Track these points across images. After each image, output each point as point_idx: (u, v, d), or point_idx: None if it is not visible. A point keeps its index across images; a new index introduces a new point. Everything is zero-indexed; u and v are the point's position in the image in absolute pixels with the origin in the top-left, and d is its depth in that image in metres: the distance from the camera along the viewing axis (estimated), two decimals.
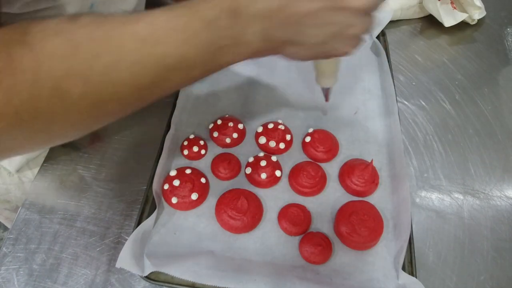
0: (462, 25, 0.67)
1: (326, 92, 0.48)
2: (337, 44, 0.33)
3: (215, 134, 0.50)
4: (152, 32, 0.28)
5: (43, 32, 0.27)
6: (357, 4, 0.31)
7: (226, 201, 0.44)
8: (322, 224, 0.44)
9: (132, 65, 0.28)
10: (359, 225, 0.41)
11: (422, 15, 0.69)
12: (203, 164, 0.49)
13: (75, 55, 0.27)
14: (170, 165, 0.49)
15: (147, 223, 0.42)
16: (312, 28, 0.31)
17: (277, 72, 0.59)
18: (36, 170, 0.52)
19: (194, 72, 0.31)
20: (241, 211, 0.43)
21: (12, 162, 0.51)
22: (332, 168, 0.49)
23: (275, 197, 0.46)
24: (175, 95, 0.53)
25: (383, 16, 0.63)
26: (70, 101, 0.27)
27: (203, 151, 0.49)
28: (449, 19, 0.65)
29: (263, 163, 0.47)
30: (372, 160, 0.46)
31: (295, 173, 0.47)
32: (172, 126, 0.50)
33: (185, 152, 0.49)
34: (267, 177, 0.46)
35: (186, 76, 0.31)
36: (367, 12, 0.32)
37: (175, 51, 0.29)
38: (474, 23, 0.68)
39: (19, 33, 0.26)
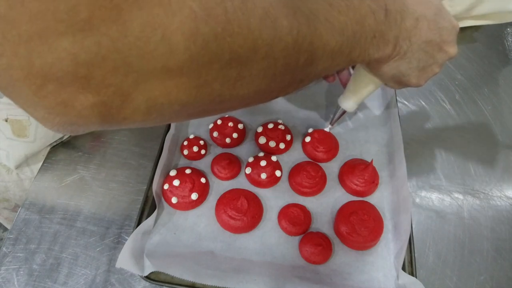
0: None
1: (339, 116, 0.48)
2: (421, 74, 0.38)
3: (215, 134, 0.50)
4: (327, 10, 0.28)
5: None
6: (452, 53, 0.37)
7: (226, 201, 0.44)
8: (322, 224, 0.44)
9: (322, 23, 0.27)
10: (359, 225, 0.41)
11: None
12: (203, 164, 0.49)
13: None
14: (170, 165, 0.49)
15: (147, 223, 0.42)
16: (422, 53, 0.36)
17: None
18: (35, 167, 0.52)
19: (338, 59, 0.30)
20: (241, 211, 0.43)
21: (11, 158, 0.51)
22: (332, 168, 0.49)
23: (275, 197, 0.46)
24: None
25: None
26: (277, 32, 0.22)
27: (203, 151, 0.49)
28: None
29: (263, 163, 0.47)
30: (372, 160, 0.46)
31: (295, 173, 0.47)
32: (172, 126, 0.50)
33: (185, 152, 0.49)
34: (267, 177, 0.46)
35: (333, 62, 0.30)
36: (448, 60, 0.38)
37: (351, 28, 0.30)
38: None
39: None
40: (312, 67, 0.28)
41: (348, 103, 0.45)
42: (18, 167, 0.52)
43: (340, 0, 0.29)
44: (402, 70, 0.37)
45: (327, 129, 0.51)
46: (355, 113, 0.54)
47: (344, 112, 0.47)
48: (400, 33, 0.34)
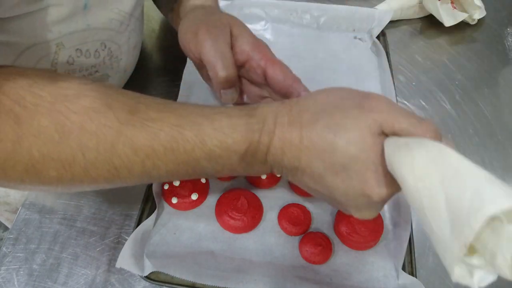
0: (462, 25, 0.67)
1: None
2: (350, 211, 0.31)
3: None
4: (150, 145, 0.28)
5: (36, 107, 0.26)
6: (377, 199, 0.28)
7: (226, 201, 0.44)
8: (322, 224, 0.44)
9: (117, 169, 0.28)
10: (359, 225, 0.41)
11: (422, 15, 0.69)
12: None
13: (59, 142, 0.26)
14: None
15: (147, 223, 0.42)
16: (316, 192, 0.32)
17: None
18: None
19: (176, 179, 0.34)
20: (241, 211, 0.43)
21: None
22: None
23: (275, 197, 0.46)
24: (176, 95, 0.53)
25: (383, 16, 0.63)
26: (43, 180, 0.27)
27: None
28: (449, 19, 0.65)
29: None
30: None
31: None
32: None
33: None
34: (267, 177, 0.46)
35: (166, 180, 0.33)
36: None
37: (166, 167, 0.29)
38: (474, 23, 0.68)
39: (12, 100, 0.26)
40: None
41: None
42: None
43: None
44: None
45: None
46: None
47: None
48: (269, 168, 0.31)
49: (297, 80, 0.41)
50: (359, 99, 0.29)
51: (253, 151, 0.29)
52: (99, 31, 0.43)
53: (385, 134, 0.28)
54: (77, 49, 0.42)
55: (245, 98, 0.47)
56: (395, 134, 0.27)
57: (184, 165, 0.29)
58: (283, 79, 0.40)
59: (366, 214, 0.30)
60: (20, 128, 0.26)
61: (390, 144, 0.26)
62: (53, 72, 0.30)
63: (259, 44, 0.42)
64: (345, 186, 0.28)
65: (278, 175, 0.30)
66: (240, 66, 0.42)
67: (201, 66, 0.44)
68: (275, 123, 0.29)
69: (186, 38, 0.43)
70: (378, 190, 0.27)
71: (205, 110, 0.30)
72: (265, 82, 0.42)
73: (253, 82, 0.45)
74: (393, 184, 0.27)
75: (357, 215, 0.30)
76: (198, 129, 0.29)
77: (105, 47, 0.45)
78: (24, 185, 0.29)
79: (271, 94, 0.44)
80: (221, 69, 0.39)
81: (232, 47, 0.41)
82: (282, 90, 0.41)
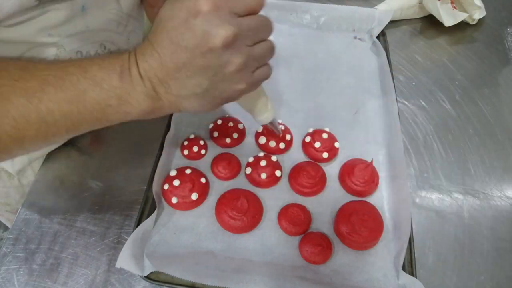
0: (462, 25, 0.67)
1: (270, 127, 0.46)
2: (224, 85, 0.32)
3: (215, 134, 0.50)
4: (41, 89, 0.30)
5: None
6: (218, 41, 0.29)
7: (226, 201, 0.44)
8: (322, 224, 0.44)
9: (15, 119, 0.30)
10: (359, 225, 0.41)
11: (422, 15, 0.69)
12: (203, 164, 0.49)
13: None
14: (170, 165, 0.49)
15: (147, 223, 0.42)
16: (189, 79, 0.31)
17: (277, 72, 0.59)
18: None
19: (80, 127, 0.33)
20: (241, 211, 0.43)
21: (15, 163, 0.51)
22: (332, 168, 0.49)
23: (275, 197, 0.46)
24: None
25: (383, 16, 0.63)
26: None
27: (203, 151, 0.49)
28: (449, 19, 0.65)
29: (263, 163, 0.47)
30: (372, 160, 0.46)
31: (295, 173, 0.47)
32: (172, 126, 0.50)
33: (185, 152, 0.49)
34: (267, 177, 0.46)
35: (71, 130, 0.33)
36: (236, 45, 0.30)
37: (60, 109, 0.31)
38: (474, 23, 0.68)
39: None
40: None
41: (258, 119, 0.43)
42: (20, 171, 0.52)
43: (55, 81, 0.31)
44: (202, 100, 0.33)
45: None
46: (355, 113, 0.54)
47: (269, 123, 0.44)
48: (149, 85, 0.31)
49: None
50: None
51: (126, 66, 0.31)
52: (97, 32, 0.43)
53: None
54: (77, 51, 0.42)
55: None
56: None
57: (76, 104, 0.31)
58: None
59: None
60: None
61: None
62: None
63: None
64: (187, 36, 0.29)
65: (154, 90, 0.32)
66: None
67: None
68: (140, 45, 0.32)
69: None
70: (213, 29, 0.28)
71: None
72: None
73: None
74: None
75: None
76: (80, 63, 0.32)
77: (105, 48, 0.45)
78: None
79: None
80: None
81: None
82: None
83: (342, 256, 0.42)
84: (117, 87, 0.31)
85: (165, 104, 0.33)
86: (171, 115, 0.51)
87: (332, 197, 0.46)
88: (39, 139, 0.33)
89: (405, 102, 0.58)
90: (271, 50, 0.33)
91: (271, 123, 0.44)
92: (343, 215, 0.43)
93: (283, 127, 0.50)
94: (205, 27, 0.29)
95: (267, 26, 0.32)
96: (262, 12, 0.32)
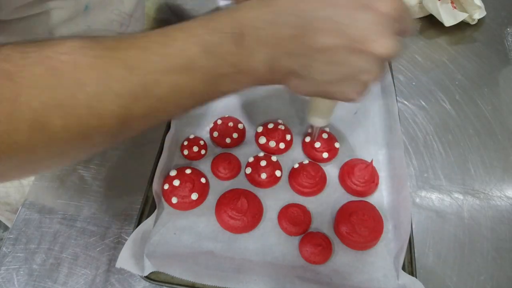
0: (462, 25, 0.67)
1: (316, 131, 0.47)
2: (344, 87, 0.30)
3: (215, 134, 0.50)
4: (143, 59, 0.27)
5: (24, 59, 0.25)
6: (379, 51, 0.26)
7: (226, 201, 0.44)
8: (322, 224, 0.44)
9: (119, 95, 0.26)
10: (359, 225, 0.41)
11: (422, 15, 0.69)
12: (203, 164, 0.49)
13: (56, 85, 0.25)
14: (170, 165, 0.49)
15: (147, 223, 0.42)
16: (323, 65, 0.28)
17: None
18: None
19: (190, 101, 0.30)
20: (241, 211, 0.43)
21: None
22: (332, 168, 0.49)
23: (275, 197, 0.46)
24: None
25: None
26: (51, 134, 0.25)
27: (203, 151, 0.49)
28: (449, 19, 0.65)
29: (263, 163, 0.47)
30: (372, 160, 0.46)
31: (295, 173, 0.47)
32: (172, 126, 0.50)
33: (185, 152, 0.49)
34: (267, 177, 0.46)
35: (181, 105, 0.30)
36: (386, 60, 0.28)
37: (168, 80, 0.27)
38: (474, 23, 0.68)
39: (0, 59, 0.25)
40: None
41: (315, 120, 0.43)
42: None
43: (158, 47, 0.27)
44: (313, 86, 0.30)
45: (307, 140, 0.50)
46: (355, 113, 0.55)
47: (318, 128, 0.46)
48: (268, 55, 0.28)
49: None
50: None
51: (240, 30, 0.28)
52: (99, 32, 0.43)
53: None
54: None
55: None
56: None
57: (184, 73, 0.27)
58: None
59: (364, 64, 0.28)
60: (14, 83, 0.24)
61: None
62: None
63: None
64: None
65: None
66: None
67: None
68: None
69: None
70: None
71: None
72: None
73: None
74: None
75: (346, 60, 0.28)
76: (185, 26, 0.28)
77: None
78: (35, 149, 0.26)
79: None
80: None
81: None
82: None
83: (342, 256, 0.42)
84: (232, 53, 0.27)
85: (275, 77, 0.30)
86: None
87: (332, 197, 0.46)
88: (148, 119, 0.29)
89: (405, 102, 0.58)
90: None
91: (317, 127, 0.45)
92: (343, 215, 0.43)
93: (283, 127, 0.50)
94: (374, 26, 0.26)
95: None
96: None
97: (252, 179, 0.47)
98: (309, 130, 0.50)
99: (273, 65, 0.28)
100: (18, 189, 0.54)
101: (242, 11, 0.28)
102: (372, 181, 0.46)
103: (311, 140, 0.49)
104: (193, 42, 0.27)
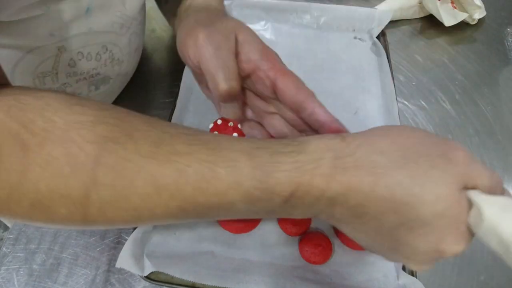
0: (462, 25, 0.67)
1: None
2: (412, 264, 0.27)
3: None
4: (175, 183, 0.24)
5: (46, 133, 0.23)
6: (448, 254, 0.25)
7: None
8: (322, 224, 0.44)
9: (136, 209, 0.24)
10: None
11: (422, 15, 0.69)
12: None
13: (70, 177, 0.23)
14: None
15: None
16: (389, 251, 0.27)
17: None
18: None
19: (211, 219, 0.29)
20: None
21: None
22: None
23: None
24: (175, 95, 0.53)
25: (383, 16, 0.63)
26: (53, 218, 0.24)
27: None
28: (449, 19, 0.65)
29: None
30: None
31: None
32: None
33: None
34: None
35: (199, 220, 0.29)
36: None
37: (194, 211, 0.25)
38: (474, 23, 0.68)
39: (20, 123, 0.22)
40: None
41: None
42: None
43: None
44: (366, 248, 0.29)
45: None
46: (355, 113, 0.54)
47: None
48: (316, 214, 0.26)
49: (310, 94, 0.35)
50: (443, 148, 0.26)
51: (301, 194, 0.25)
52: (100, 34, 0.43)
53: (465, 189, 0.25)
54: (78, 52, 0.42)
55: (249, 113, 0.43)
56: (474, 188, 0.26)
57: (216, 208, 0.25)
58: (295, 93, 0.35)
59: (425, 267, 0.27)
60: (27, 157, 0.22)
61: (488, 204, 0.24)
62: (70, 95, 0.25)
63: (268, 52, 0.37)
64: (418, 242, 0.24)
65: (326, 220, 0.27)
66: (245, 77, 0.38)
67: (200, 75, 0.39)
68: (334, 165, 0.24)
69: (184, 43, 0.38)
70: (455, 247, 0.24)
71: (243, 143, 0.26)
72: (273, 96, 0.37)
73: (259, 95, 0.40)
74: (469, 241, 0.25)
75: (416, 267, 0.27)
76: (234, 167, 0.24)
77: (107, 49, 0.45)
78: (33, 222, 0.25)
79: (280, 109, 0.38)
80: (222, 81, 0.34)
81: (237, 55, 0.36)
82: (294, 105, 0.35)
83: (342, 256, 0.42)
84: (274, 208, 0.25)
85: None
86: (171, 115, 0.51)
87: None
88: (158, 224, 0.28)
89: (405, 102, 0.58)
90: None
91: None
92: None
93: None
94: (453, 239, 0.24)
95: None
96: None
97: None
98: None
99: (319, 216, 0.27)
100: None
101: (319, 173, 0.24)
102: None
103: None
104: (235, 189, 0.24)
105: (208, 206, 0.25)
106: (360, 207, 0.24)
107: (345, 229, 0.28)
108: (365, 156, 0.25)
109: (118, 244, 0.44)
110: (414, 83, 0.60)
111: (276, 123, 0.40)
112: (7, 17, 0.33)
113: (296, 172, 0.24)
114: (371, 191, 0.24)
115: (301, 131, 0.39)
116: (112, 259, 0.42)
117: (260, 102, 0.40)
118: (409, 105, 0.57)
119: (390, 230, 0.25)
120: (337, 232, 0.43)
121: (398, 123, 0.50)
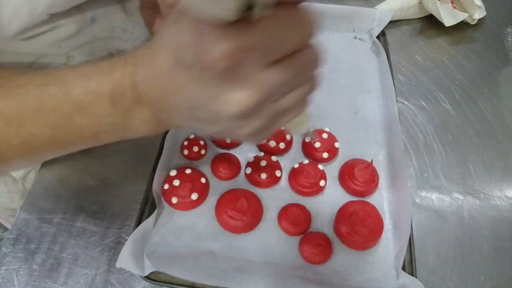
0: (462, 25, 0.67)
1: (313, 135, 0.48)
2: (236, 133, 0.26)
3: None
4: (19, 111, 0.27)
5: None
6: (230, 111, 0.23)
7: (226, 201, 0.44)
8: (322, 224, 0.44)
9: None
10: (359, 225, 0.41)
11: (422, 15, 0.69)
12: (203, 164, 0.49)
13: None
14: (170, 165, 0.49)
15: (147, 223, 0.42)
16: (195, 123, 0.27)
17: None
18: None
19: (73, 148, 0.30)
20: (241, 211, 0.43)
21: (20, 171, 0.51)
22: (332, 168, 0.49)
23: (275, 197, 0.46)
24: None
25: (383, 16, 0.63)
26: None
27: (203, 151, 0.49)
28: (449, 19, 0.65)
29: (263, 163, 0.47)
30: (372, 160, 0.46)
31: (295, 173, 0.47)
32: None
33: (185, 152, 0.49)
34: (267, 177, 0.46)
35: (62, 151, 0.31)
36: (258, 110, 0.24)
37: (43, 133, 0.27)
38: (474, 23, 0.68)
39: None
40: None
41: (293, 131, 0.43)
42: (26, 175, 0.52)
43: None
44: (213, 132, 0.28)
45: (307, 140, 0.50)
46: (355, 113, 0.55)
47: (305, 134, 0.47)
48: (137, 115, 0.27)
49: None
50: None
51: (120, 90, 0.26)
52: (105, 40, 0.43)
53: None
54: (86, 61, 0.42)
55: None
56: None
57: (60, 128, 0.27)
58: None
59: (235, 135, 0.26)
60: None
61: None
62: None
63: None
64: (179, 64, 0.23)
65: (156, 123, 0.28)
66: None
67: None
68: (135, 54, 0.26)
69: None
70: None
71: (75, 66, 0.28)
72: None
73: None
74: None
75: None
76: (62, 81, 0.27)
77: (113, 56, 0.45)
78: None
79: None
80: None
81: None
82: None
83: (342, 256, 0.42)
84: (109, 114, 0.27)
85: (166, 128, 0.29)
86: None
87: (332, 197, 0.46)
88: (27, 161, 0.30)
89: (405, 102, 0.58)
90: (312, 87, 0.27)
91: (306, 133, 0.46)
92: (343, 215, 0.43)
93: (283, 127, 0.50)
94: (217, 88, 0.22)
95: (310, 64, 0.26)
96: None
97: (252, 179, 0.47)
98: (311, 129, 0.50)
99: (157, 122, 0.28)
100: (23, 193, 0.54)
101: (122, 70, 0.26)
102: (372, 181, 0.46)
103: (311, 140, 0.49)
104: (67, 100, 0.27)
105: (52, 126, 0.27)
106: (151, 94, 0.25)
107: (176, 114, 0.27)
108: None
109: (118, 244, 0.44)
110: (414, 83, 0.60)
111: None
112: (14, 36, 0.34)
113: (110, 70, 0.26)
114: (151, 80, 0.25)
115: None
116: (112, 259, 0.42)
117: None
118: (409, 105, 0.57)
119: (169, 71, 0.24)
120: (337, 232, 0.43)
121: (398, 123, 0.50)
